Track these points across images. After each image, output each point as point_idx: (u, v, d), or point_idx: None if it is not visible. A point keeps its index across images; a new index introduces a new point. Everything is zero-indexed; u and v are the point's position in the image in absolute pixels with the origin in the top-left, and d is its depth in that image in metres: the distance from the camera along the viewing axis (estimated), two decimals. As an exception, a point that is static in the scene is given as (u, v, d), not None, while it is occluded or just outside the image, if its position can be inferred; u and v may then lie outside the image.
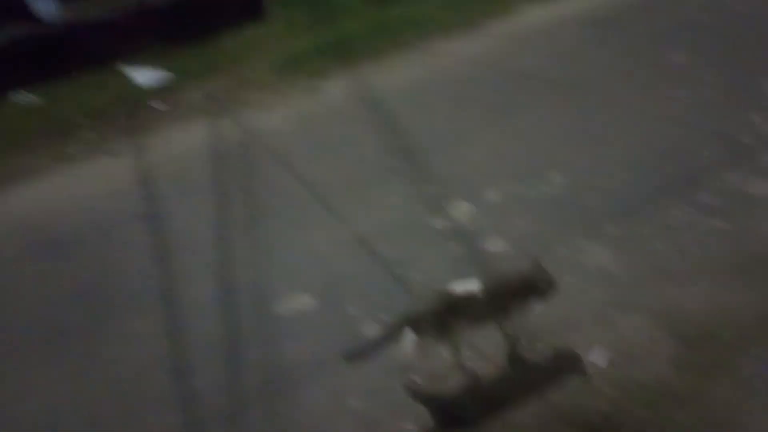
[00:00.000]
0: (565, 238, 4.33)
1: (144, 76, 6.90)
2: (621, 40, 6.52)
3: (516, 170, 4.98)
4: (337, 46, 7.10)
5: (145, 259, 4.66)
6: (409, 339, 3.30)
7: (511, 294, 3.43)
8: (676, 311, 3.81)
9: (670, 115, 5.21)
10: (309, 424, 3.58)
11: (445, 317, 3.31)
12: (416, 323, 3.30)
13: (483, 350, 3.58)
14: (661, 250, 4.20)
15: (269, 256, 4.61)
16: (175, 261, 4.68)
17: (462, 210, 4.72)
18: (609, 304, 3.90)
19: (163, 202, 5.30)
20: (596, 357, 3.62)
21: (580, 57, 6.28)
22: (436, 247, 4.49)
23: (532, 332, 3.61)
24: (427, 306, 3.34)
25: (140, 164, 5.69)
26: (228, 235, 4.85)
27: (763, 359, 3.48)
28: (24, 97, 6.59)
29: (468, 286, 3.38)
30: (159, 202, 5.30)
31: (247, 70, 6.93)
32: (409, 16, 7.50)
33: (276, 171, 5.34)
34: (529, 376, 3.58)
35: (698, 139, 4.94)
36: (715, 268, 4.01)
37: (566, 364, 3.58)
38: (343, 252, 4.56)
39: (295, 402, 3.68)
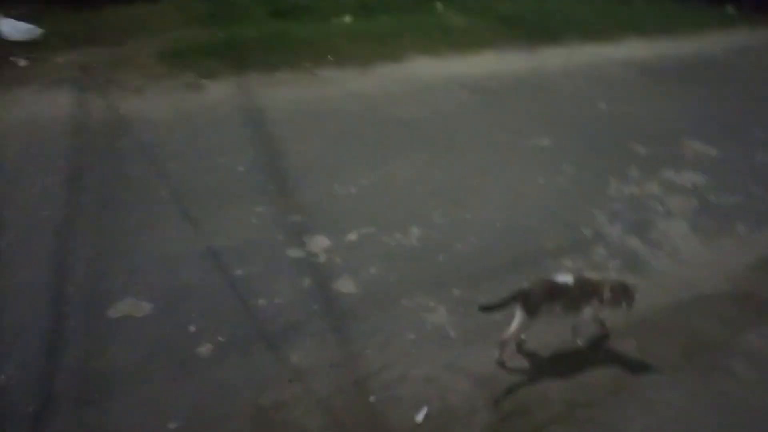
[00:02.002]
0: (410, 292, 4.49)
1: (11, 26, 6.40)
2: (499, 111, 6.91)
3: (379, 215, 5.10)
4: (230, 49, 6.96)
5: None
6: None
7: (594, 292, 4.14)
8: (499, 382, 4.05)
9: (527, 195, 5.59)
10: (118, 439, 3.42)
11: (544, 299, 4.02)
12: (526, 298, 4.00)
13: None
14: (496, 320, 4.44)
15: (112, 253, 4.38)
16: (5, 236, 4.33)
17: (319, 244, 4.76)
18: (441, 366, 4.07)
19: (6, 169, 4.89)
20: (420, 416, 3.77)
21: (459, 119, 6.58)
22: (288, 276, 4.48)
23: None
24: (534, 286, 4.04)
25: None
26: (72, 219, 4.56)
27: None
28: None
29: (565, 278, 4.13)
30: (1, 168, 4.90)
31: (130, 49, 6.63)
32: (309, 38, 7.50)
33: (139, 163, 5.10)
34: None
35: (546, 222, 5.34)
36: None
37: None
38: (192, 263, 4.42)
39: (108, 414, 3.50)
